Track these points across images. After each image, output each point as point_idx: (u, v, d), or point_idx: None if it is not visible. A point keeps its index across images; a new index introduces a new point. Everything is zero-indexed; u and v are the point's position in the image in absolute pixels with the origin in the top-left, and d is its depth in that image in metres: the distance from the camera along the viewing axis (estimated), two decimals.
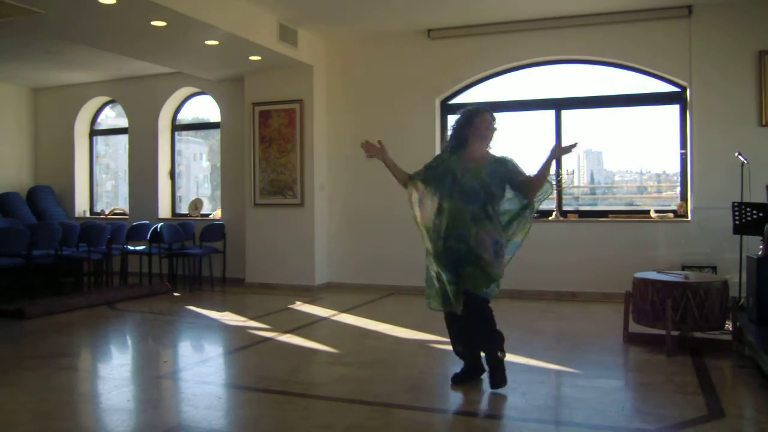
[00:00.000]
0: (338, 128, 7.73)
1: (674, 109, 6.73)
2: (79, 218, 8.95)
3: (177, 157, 9.00)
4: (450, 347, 3.83)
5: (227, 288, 7.83)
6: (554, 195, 7.01)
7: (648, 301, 4.37)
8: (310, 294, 7.21)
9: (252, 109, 7.75)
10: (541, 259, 6.77)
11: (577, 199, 7.43)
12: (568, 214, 6.98)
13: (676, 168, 6.84)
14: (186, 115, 9.07)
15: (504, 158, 3.57)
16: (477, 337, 3.52)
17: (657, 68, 6.61)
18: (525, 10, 6.59)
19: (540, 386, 3.67)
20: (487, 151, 3.58)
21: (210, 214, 8.72)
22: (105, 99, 9.40)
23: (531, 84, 7.26)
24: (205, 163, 9.72)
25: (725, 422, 3.01)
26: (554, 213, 6.95)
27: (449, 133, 3.72)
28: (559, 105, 7.07)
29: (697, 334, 4.47)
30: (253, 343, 4.85)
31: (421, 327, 5.29)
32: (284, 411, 3.26)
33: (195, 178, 9.61)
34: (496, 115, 3.65)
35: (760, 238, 4.75)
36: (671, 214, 6.64)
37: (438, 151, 7.44)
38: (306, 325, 5.51)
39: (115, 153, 9.91)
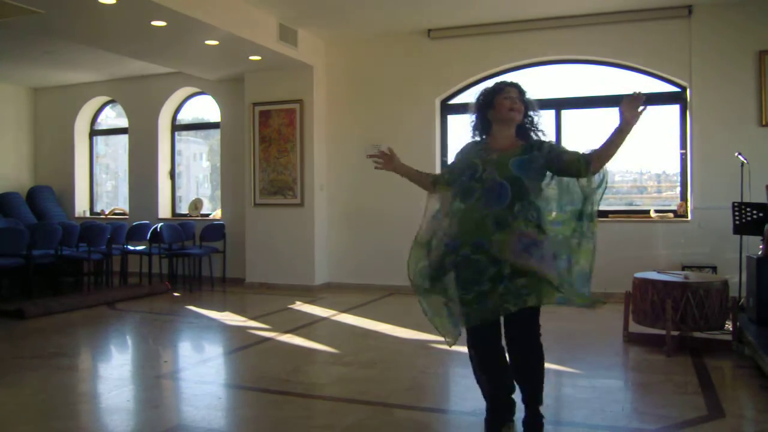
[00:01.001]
0: (338, 128, 7.73)
1: (674, 109, 6.73)
2: (79, 218, 8.95)
3: (177, 157, 9.00)
4: (454, 347, 3.78)
5: (227, 288, 7.83)
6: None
7: (648, 301, 4.37)
8: (310, 294, 7.21)
9: (252, 109, 7.75)
10: None
11: None
12: None
13: (676, 168, 6.84)
14: (186, 115, 9.07)
15: (540, 142, 2.81)
16: (525, 369, 2.79)
17: (657, 68, 6.61)
18: (525, 10, 6.59)
19: None
20: (515, 137, 2.83)
21: (210, 214, 8.72)
22: (105, 99, 9.40)
23: (531, 84, 7.23)
24: (205, 163, 9.72)
25: (725, 422, 3.01)
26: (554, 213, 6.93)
27: (471, 118, 2.96)
28: (559, 105, 7.07)
29: (697, 334, 4.47)
30: (253, 343, 4.85)
31: (421, 327, 5.28)
32: (284, 411, 3.26)
33: (195, 178, 9.61)
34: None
35: (760, 238, 4.75)
36: (671, 214, 6.64)
37: (438, 152, 7.46)
38: (306, 325, 5.51)
39: (115, 153, 9.91)
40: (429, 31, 7.24)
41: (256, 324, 5.61)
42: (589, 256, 2.85)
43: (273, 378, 3.88)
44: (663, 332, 4.28)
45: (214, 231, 8.00)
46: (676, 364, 4.02)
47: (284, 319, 5.81)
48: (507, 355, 2.79)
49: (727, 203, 5.34)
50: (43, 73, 8.53)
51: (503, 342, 2.78)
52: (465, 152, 2.91)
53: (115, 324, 5.86)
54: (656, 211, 6.71)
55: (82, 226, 7.19)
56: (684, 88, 6.57)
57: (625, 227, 6.63)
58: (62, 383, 3.81)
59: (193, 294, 7.36)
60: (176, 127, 8.97)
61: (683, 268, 6.03)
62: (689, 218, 6.45)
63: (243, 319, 5.88)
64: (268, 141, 7.68)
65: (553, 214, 2.84)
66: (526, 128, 2.87)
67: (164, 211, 8.77)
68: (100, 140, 9.79)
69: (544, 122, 2.97)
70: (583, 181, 2.77)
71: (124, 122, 9.09)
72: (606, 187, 2.90)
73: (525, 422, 2.78)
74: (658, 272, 4.81)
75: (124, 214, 9.07)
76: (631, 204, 7.29)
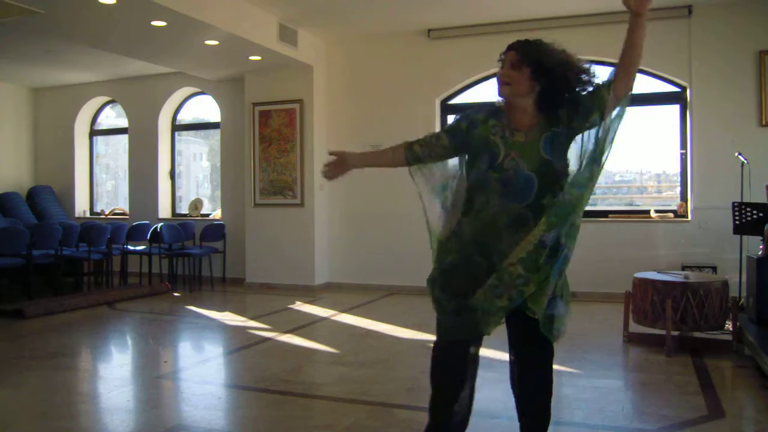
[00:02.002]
0: (338, 128, 7.73)
1: (674, 109, 6.73)
2: (79, 218, 8.95)
3: (177, 157, 9.00)
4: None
5: (227, 288, 7.83)
6: None
7: (648, 301, 4.37)
8: (310, 294, 7.21)
9: (252, 109, 7.75)
10: None
11: None
12: None
13: (676, 168, 6.84)
14: (186, 115, 9.07)
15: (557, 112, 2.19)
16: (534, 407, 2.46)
17: (657, 68, 6.61)
18: (525, 10, 6.59)
19: None
20: (537, 111, 2.21)
21: (210, 214, 8.72)
22: (105, 99, 9.40)
23: None
24: (205, 163, 9.73)
25: (725, 422, 3.01)
26: None
27: None
28: None
29: (697, 334, 4.47)
30: (253, 343, 4.85)
31: (421, 327, 5.29)
32: (284, 411, 3.26)
33: (195, 178, 9.61)
34: None
35: (760, 238, 4.76)
36: (671, 214, 6.64)
37: None
38: (306, 325, 5.51)
39: (115, 153, 9.91)
40: (429, 31, 7.24)
41: (256, 324, 5.61)
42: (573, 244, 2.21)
43: (273, 378, 3.88)
44: (663, 332, 4.28)
45: (214, 231, 8.00)
46: (676, 364, 4.02)
47: (284, 319, 5.81)
48: (515, 391, 2.51)
49: (727, 203, 5.34)
50: (43, 73, 8.53)
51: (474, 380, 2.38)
52: (475, 122, 2.27)
53: (115, 324, 5.86)
54: (656, 211, 6.71)
55: (82, 226, 7.19)
56: (684, 88, 6.57)
57: (625, 227, 6.63)
58: (62, 383, 3.80)
59: (193, 294, 7.35)
60: (176, 127, 8.97)
61: (683, 268, 6.03)
62: (689, 218, 6.45)
63: (243, 319, 5.88)
64: (268, 141, 7.68)
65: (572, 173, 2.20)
66: (549, 98, 2.18)
67: (164, 211, 8.77)
68: (100, 140, 9.79)
69: (589, 70, 2.23)
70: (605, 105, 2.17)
71: (124, 122, 9.09)
72: (624, 114, 2.26)
73: None
74: (658, 272, 4.81)
75: (124, 214, 9.07)
76: (631, 204, 7.29)
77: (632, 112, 7.47)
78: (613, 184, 7.56)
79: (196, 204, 8.78)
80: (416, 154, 2.43)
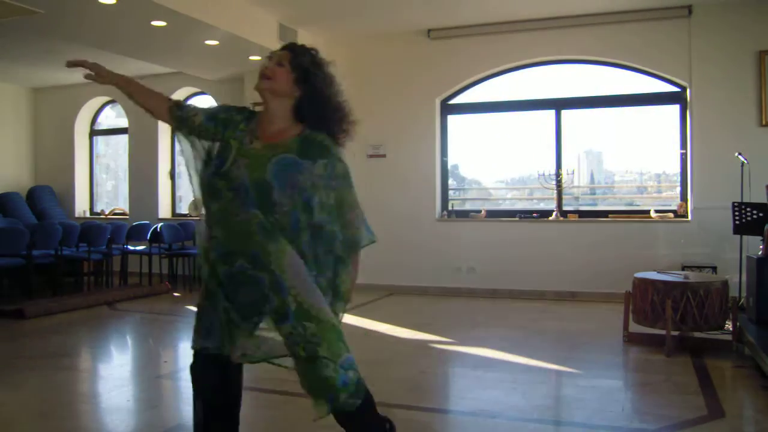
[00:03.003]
0: None
1: (674, 109, 6.73)
2: (79, 218, 8.94)
3: (177, 157, 9.00)
4: (454, 347, 3.78)
5: None
6: (554, 195, 7.02)
7: (648, 301, 4.37)
8: None
9: (252, 109, 7.73)
10: (541, 259, 6.79)
11: (577, 199, 7.43)
12: (568, 214, 6.99)
13: (676, 168, 6.84)
14: None
15: (327, 146, 2.11)
16: None
17: (657, 68, 6.61)
18: (525, 10, 6.59)
19: (540, 386, 3.67)
20: (293, 119, 2.10)
21: None
22: (105, 99, 9.40)
23: (531, 84, 7.26)
24: None
25: (725, 422, 3.01)
26: (554, 213, 6.95)
27: None
28: (559, 105, 7.07)
29: (697, 334, 4.47)
30: None
31: (421, 327, 5.29)
32: (284, 411, 3.26)
33: None
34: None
35: (760, 238, 4.76)
36: (671, 214, 6.64)
37: (438, 152, 7.46)
38: None
39: (115, 153, 9.90)
40: (429, 31, 7.24)
41: None
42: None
43: (273, 378, 3.87)
44: (663, 332, 4.28)
45: None
46: (676, 364, 4.02)
47: None
48: None
49: (727, 203, 5.34)
50: (43, 73, 8.53)
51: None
52: (232, 122, 2.13)
53: (115, 324, 5.86)
54: (656, 211, 6.71)
55: (82, 226, 7.18)
56: (684, 88, 6.57)
57: (625, 227, 6.63)
58: (62, 383, 3.80)
59: (193, 294, 7.34)
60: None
61: (683, 268, 6.03)
62: (689, 218, 6.45)
63: None
64: None
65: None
66: (305, 110, 2.08)
67: (164, 211, 8.77)
68: (100, 140, 9.79)
69: (347, 111, 2.23)
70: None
71: (124, 122, 9.09)
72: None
73: None
74: (658, 272, 4.81)
75: (124, 214, 9.06)
76: (631, 204, 7.30)
77: (632, 112, 7.47)
78: (613, 184, 7.56)
79: (196, 204, 8.74)
80: (179, 117, 2.27)
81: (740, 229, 5.14)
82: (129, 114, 8.96)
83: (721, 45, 6.30)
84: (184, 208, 8.94)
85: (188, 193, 9.47)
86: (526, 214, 7.05)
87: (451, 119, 7.52)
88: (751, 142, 6.06)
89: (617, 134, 7.15)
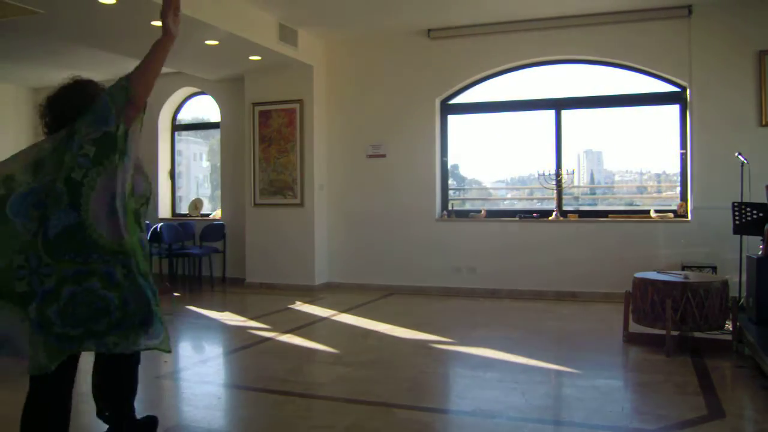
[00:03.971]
0: (338, 128, 7.73)
1: (674, 109, 6.73)
2: None
3: (177, 157, 9.00)
4: (454, 347, 3.79)
5: (227, 288, 7.83)
6: (554, 195, 7.02)
7: (648, 301, 4.37)
8: (310, 294, 7.21)
9: (252, 109, 7.75)
10: (541, 259, 6.79)
11: (577, 199, 7.43)
12: (568, 214, 6.99)
13: (676, 168, 6.84)
14: (186, 115, 9.07)
15: None
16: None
17: (657, 68, 6.61)
18: (525, 10, 6.59)
19: (540, 386, 3.67)
20: None
21: (210, 214, 8.72)
22: None
23: (531, 84, 7.27)
24: (205, 163, 9.72)
25: (725, 422, 3.01)
26: (554, 213, 6.95)
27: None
28: (559, 105, 7.07)
29: (697, 334, 4.47)
30: (253, 343, 4.85)
31: (421, 327, 5.29)
32: (284, 411, 3.26)
33: (195, 178, 9.61)
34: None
35: (760, 238, 4.75)
36: (671, 214, 6.64)
37: (438, 152, 7.46)
38: (306, 325, 5.51)
39: None
40: (429, 31, 7.24)
41: (256, 324, 5.61)
42: None
43: (273, 378, 3.88)
44: (663, 332, 4.28)
45: (214, 231, 8.00)
46: (676, 364, 4.02)
47: (284, 319, 5.81)
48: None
49: (727, 203, 5.34)
50: (43, 73, 8.53)
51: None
52: None
53: None
54: (656, 211, 6.71)
55: None
56: (684, 88, 6.57)
57: (625, 227, 6.63)
58: None
59: (193, 294, 7.36)
60: (176, 127, 8.97)
61: (683, 268, 6.04)
62: (689, 218, 6.45)
63: (243, 319, 5.88)
64: (268, 141, 7.68)
65: None
66: None
67: (164, 211, 8.77)
68: None
69: None
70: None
71: None
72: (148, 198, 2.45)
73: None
74: (658, 272, 4.81)
75: None
76: (631, 204, 7.30)
77: (632, 112, 7.46)
78: (613, 184, 7.56)
79: (196, 204, 8.77)
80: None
81: (740, 229, 5.14)
82: None
83: (721, 45, 6.30)
84: (184, 208, 8.95)
85: (188, 192, 9.51)
86: (526, 214, 7.05)
87: (451, 119, 7.52)
88: (751, 142, 6.06)
89: (617, 134, 7.15)
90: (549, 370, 4.02)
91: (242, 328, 5.47)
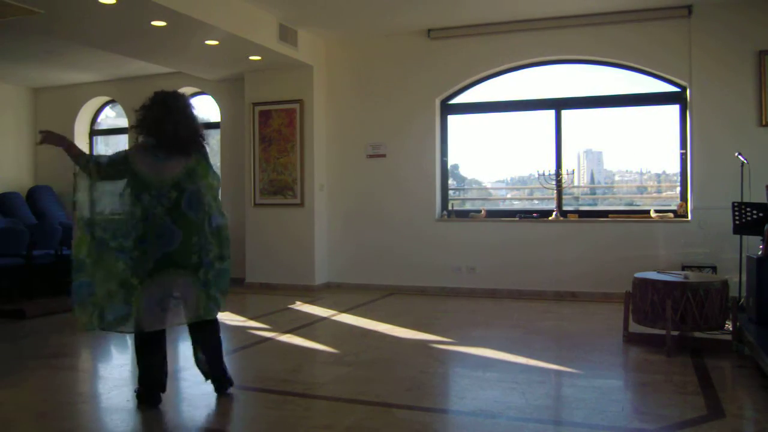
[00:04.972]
0: (338, 128, 7.73)
1: (674, 109, 6.73)
2: None
3: None
4: (454, 347, 3.80)
5: None
6: (554, 195, 7.02)
7: (648, 301, 4.37)
8: (310, 294, 7.21)
9: (252, 109, 7.75)
10: (541, 259, 6.79)
11: (577, 199, 7.43)
12: (568, 214, 6.99)
13: (676, 168, 6.84)
14: None
15: None
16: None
17: (657, 68, 6.61)
18: (525, 10, 6.59)
19: (540, 386, 3.67)
20: None
21: None
22: (105, 99, 9.40)
23: (531, 84, 7.27)
24: None
25: (725, 422, 3.01)
26: (554, 213, 6.95)
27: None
28: (559, 105, 7.08)
29: (697, 334, 4.47)
30: (253, 343, 4.85)
31: (421, 327, 5.29)
32: (284, 411, 3.26)
33: None
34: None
35: (760, 238, 4.75)
36: (671, 214, 6.64)
37: (438, 152, 7.46)
38: (306, 325, 5.51)
39: None
40: (429, 31, 7.25)
41: (256, 324, 5.61)
42: None
43: (273, 378, 3.88)
44: (663, 332, 4.28)
45: None
46: (676, 364, 4.02)
47: (284, 319, 5.81)
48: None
49: (727, 203, 5.34)
50: (43, 73, 8.53)
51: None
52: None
53: None
54: (656, 211, 6.71)
55: None
56: (684, 88, 6.58)
57: (625, 227, 6.63)
58: (62, 383, 3.81)
59: None
60: None
61: (683, 268, 6.04)
62: (689, 218, 6.45)
63: (243, 319, 5.88)
64: (268, 141, 7.69)
65: None
66: None
67: None
68: (100, 140, 9.78)
69: None
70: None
71: (124, 122, 9.09)
72: None
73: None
74: (658, 272, 4.81)
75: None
76: (631, 204, 7.30)
77: (632, 112, 7.47)
78: (613, 184, 7.56)
79: None
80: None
81: (740, 229, 5.14)
82: (129, 114, 8.96)
83: (721, 45, 6.30)
84: None
85: None
86: (526, 214, 7.05)
87: (451, 119, 7.52)
88: (751, 142, 6.06)
89: (617, 134, 7.16)
90: (549, 370, 4.02)
91: (242, 328, 5.47)
